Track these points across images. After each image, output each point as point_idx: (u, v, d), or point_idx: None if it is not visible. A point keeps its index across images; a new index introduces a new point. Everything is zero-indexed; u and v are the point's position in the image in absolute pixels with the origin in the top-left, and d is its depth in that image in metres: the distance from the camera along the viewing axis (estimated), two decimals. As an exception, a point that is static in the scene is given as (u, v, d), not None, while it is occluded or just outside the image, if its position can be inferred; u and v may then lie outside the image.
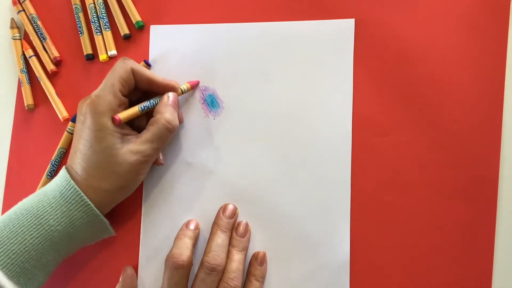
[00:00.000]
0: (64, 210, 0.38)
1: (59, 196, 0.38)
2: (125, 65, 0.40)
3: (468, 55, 0.41)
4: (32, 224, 0.37)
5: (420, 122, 0.41)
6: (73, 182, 0.38)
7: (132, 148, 0.39)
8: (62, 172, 0.40)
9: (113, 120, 0.38)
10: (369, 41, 0.42)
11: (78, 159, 0.39)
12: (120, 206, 0.42)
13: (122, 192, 0.40)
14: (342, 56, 0.42)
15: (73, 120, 0.46)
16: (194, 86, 0.44)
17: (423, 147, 0.41)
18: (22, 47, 0.48)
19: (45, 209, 0.37)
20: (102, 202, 0.39)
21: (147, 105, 0.41)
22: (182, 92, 0.43)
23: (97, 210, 0.38)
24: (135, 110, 0.40)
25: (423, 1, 0.42)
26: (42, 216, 0.37)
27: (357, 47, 0.42)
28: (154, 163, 0.43)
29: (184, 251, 0.39)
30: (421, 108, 0.41)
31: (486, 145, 0.40)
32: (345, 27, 0.42)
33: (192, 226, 0.42)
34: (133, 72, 0.40)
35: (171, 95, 0.41)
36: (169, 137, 0.41)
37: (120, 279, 0.43)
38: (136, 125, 0.42)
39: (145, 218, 0.44)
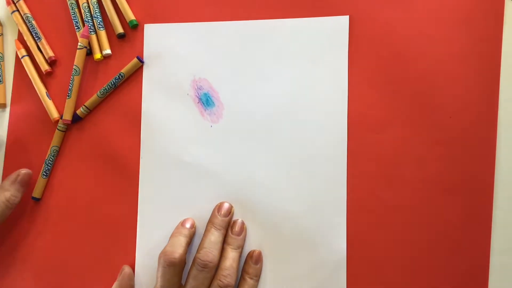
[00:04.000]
0: None
1: None
2: None
3: (463, 51, 0.40)
4: None
5: (415, 118, 0.41)
6: None
7: None
8: None
9: None
10: (363, 38, 0.42)
11: None
12: (116, 205, 0.41)
13: None
14: (337, 53, 0.42)
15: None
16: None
17: (418, 143, 0.40)
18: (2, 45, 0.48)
19: None
20: None
21: None
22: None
23: None
24: None
25: (417, -4, 0.42)
26: None
27: (352, 44, 0.42)
28: None
29: (177, 248, 0.39)
30: (416, 104, 0.41)
31: (482, 140, 0.40)
32: (340, 24, 0.42)
33: (188, 225, 0.42)
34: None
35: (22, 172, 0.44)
36: (8, 214, 0.43)
37: (117, 278, 0.43)
38: None
39: (141, 217, 0.44)
